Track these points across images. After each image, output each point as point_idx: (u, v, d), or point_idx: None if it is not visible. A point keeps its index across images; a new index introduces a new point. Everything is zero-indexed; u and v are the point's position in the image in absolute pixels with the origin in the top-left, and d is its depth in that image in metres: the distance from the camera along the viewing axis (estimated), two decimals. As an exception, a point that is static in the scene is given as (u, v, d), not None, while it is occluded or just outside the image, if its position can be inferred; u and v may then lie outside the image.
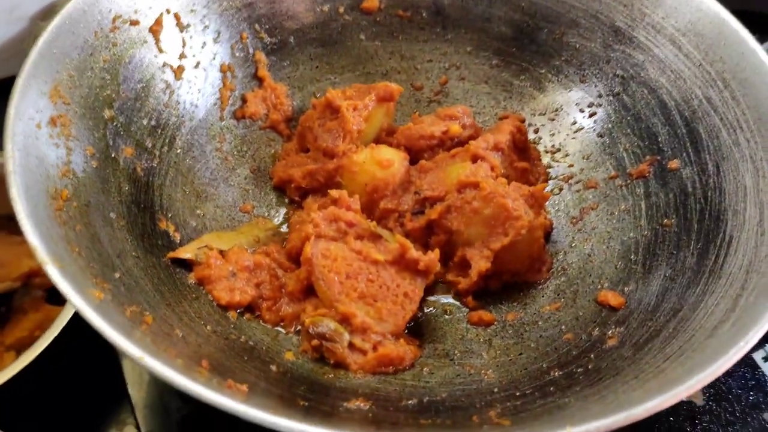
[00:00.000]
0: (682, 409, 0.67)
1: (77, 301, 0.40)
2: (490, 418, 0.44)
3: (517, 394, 0.49)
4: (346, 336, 0.54)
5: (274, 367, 0.51)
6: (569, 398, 0.46)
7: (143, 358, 0.38)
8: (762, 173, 0.54)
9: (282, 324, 0.57)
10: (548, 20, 0.72)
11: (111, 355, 0.67)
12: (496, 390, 0.51)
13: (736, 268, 0.50)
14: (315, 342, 0.54)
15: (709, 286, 0.50)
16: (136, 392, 0.65)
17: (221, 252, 0.58)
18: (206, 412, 0.64)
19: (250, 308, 0.57)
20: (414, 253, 0.56)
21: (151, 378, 0.65)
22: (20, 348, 0.62)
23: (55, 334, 0.61)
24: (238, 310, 0.56)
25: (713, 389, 0.68)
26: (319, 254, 0.56)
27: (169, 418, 0.64)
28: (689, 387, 0.39)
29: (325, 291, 0.55)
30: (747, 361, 0.70)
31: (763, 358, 0.71)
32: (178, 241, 0.59)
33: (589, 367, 0.50)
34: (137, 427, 0.64)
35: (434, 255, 0.57)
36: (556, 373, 0.51)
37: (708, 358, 0.42)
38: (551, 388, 0.49)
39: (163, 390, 0.65)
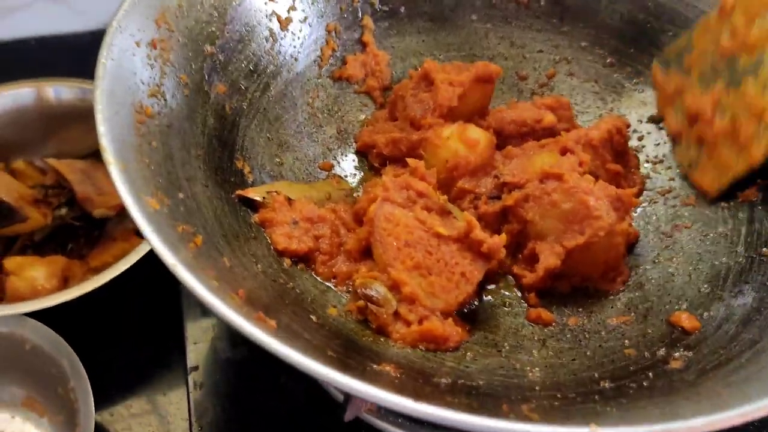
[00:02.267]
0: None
1: (129, 202, 0.41)
2: (521, 410, 0.41)
3: (559, 395, 0.46)
4: (394, 303, 0.52)
5: (314, 317, 0.50)
6: (611, 408, 0.42)
7: (176, 266, 0.38)
8: None
9: (334, 280, 0.56)
10: (674, 23, 0.67)
11: (175, 290, 0.69)
12: (537, 388, 0.47)
13: (831, 307, 0.44)
14: (361, 303, 0.52)
15: (796, 323, 0.45)
16: (191, 329, 0.67)
17: (289, 199, 0.58)
18: (250, 359, 0.65)
19: (306, 259, 0.56)
20: (480, 233, 0.54)
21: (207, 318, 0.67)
22: (103, 272, 0.65)
23: (132, 263, 0.65)
24: (293, 259, 0.56)
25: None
26: (383, 216, 0.54)
27: (215, 357, 0.65)
28: (742, 414, 0.35)
29: (381, 254, 0.54)
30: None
31: None
32: (250, 183, 0.59)
33: (644, 384, 0.46)
34: (185, 359, 0.65)
35: (500, 239, 0.54)
36: (606, 384, 0.47)
37: (773, 389, 0.37)
38: (596, 397, 0.45)
39: (216, 332, 0.67)
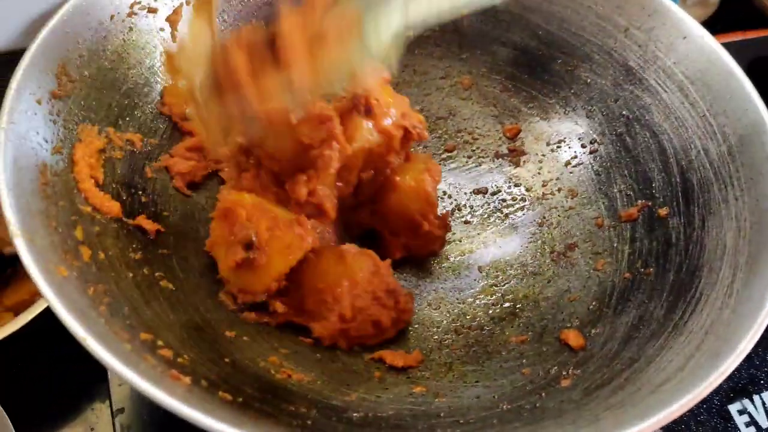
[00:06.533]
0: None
1: (36, 276, 0.42)
2: (425, 441, 0.45)
3: (461, 421, 0.50)
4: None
5: (227, 359, 0.52)
6: (505, 433, 0.46)
7: (86, 339, 0.40)
8: (743, 233, 0.53)
9: None
10: (563, 51, 0.71)
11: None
12: (442, 414, 0.51)
13: (698, 327, 0.49)
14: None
15: (668, 341, 0.50)
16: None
17: None
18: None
19: None
20: None
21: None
22: (19, 310, 0.64)
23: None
24: None
25: (682, 436, 0.68)
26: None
27: (140, 396, 0.66)
28: (612, 441, 0.39)
29: None
30: (721, 413, 0.69)
31: (738, 411, 0.70)
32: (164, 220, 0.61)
33: (537, 405, 0.50)
34: (110, 399, 0.66)
35: None
36: (504, 407, 0.51)
37: (641, 414, 0.41)
38: (494, 421, 0.49)
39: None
